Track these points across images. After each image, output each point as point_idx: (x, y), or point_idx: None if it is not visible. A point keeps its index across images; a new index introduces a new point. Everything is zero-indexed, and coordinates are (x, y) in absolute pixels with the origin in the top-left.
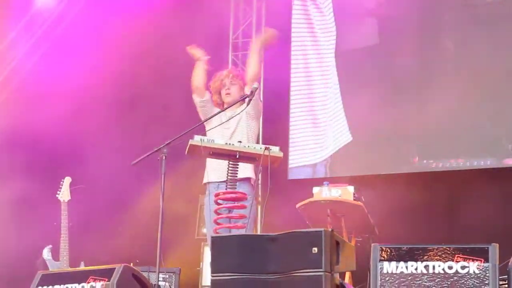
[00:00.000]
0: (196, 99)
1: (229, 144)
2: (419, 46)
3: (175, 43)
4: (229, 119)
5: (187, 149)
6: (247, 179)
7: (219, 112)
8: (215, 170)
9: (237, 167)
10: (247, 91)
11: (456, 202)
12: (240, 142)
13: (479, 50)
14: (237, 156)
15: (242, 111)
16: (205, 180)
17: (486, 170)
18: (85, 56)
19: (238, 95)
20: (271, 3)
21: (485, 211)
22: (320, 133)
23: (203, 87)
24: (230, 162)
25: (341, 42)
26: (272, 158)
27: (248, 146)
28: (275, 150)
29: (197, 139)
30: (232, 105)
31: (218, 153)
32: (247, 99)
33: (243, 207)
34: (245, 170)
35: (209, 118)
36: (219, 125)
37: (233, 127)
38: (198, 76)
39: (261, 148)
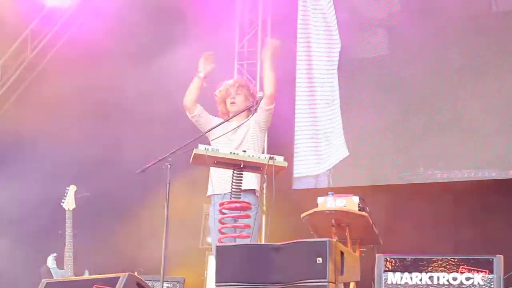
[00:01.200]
0: (188, 115)
1: (234, 153)
2: (425, 57)
3: (181, 52)
4: (234, 128)
5: (191, 158)
6: (252, 191)
7: (222, 122)
8: (220, 182)
9: (242, 177)
10: (262, 104)
11: (461, 213)
12: (244, 151)
13: (485, 62)
14: (242, 166)
15: (248, 118)
16: (209, 193)
17: (491, 181)
18: (92, 63)
19: (244, 104)
20: (277, 13)
21: (490, 222)
22: (323, 144)
23: (192, 104)
24: (235, 172)
25: (347, 52)
26: (276, 168)
27: (253, 156)
28: (279, 159)
29: (201, 148)
30: (237, 114)
31: (223, 162)
32: (254, 108)
33: (248, 216)
34: (250, 181)
35: (213, 128)
36: (223, 135)
37: (240, 138)
38: (190, 93)
39: (265, 157)
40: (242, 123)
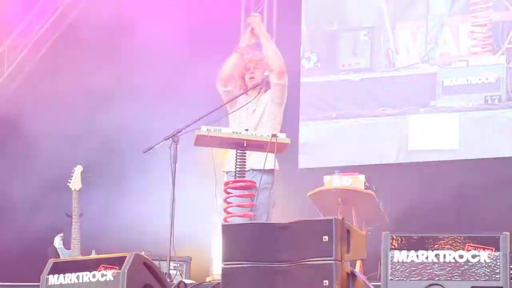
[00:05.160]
0: (219, 88)
1: (236, 132)
2: None
3: (186, 30)
4: (248, 102)
5: (194, 140)
6: (271, 171)
7: (236, 97)
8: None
9: (245, 156)
10: (272, 79)
11: (467, 190)
12: (247, 130)
13: None
14: (245, 145)
15: (256, 96)
16: (226, 169)
17: (497, 159)
18: (109, 38)
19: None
20: None
21: (497, 200)
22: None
23: (228, 78)
24: (238, 151)
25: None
26: (279, 145)
27: (255, 134)
28: (282, 136)
29: (203, 130)
30: (245, 92)
31: (226, 142)
32: (260, 86)
33: (252, 195)
34: (271, 161)
35: (228, 102)
36: (239, 108)
37: (258, 117)
38: (228, 66)
39: (268, 135)
40: (254, 98)
